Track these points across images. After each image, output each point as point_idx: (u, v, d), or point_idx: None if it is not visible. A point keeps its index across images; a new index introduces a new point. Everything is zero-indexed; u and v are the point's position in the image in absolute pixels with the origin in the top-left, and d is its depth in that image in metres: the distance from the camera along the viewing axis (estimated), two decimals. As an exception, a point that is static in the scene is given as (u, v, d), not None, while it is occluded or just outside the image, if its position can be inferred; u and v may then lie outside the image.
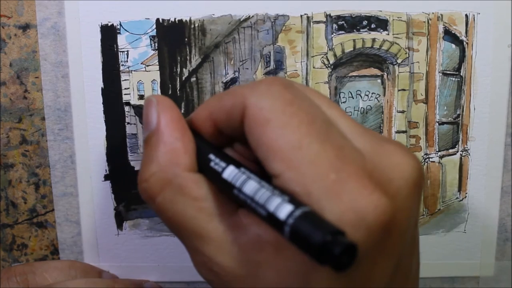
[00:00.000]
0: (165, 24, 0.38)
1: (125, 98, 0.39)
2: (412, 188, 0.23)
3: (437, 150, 0.40)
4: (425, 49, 0.39)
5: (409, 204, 0.23)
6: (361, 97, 0.39)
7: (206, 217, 0.24)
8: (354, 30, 0.38)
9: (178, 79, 0.39)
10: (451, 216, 0.41)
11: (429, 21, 0.38)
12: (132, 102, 0.39)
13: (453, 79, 0.39)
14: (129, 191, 0.40)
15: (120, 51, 0.38)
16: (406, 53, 0.39)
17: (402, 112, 0.40)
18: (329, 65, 0.39)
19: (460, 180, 0.40)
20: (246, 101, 0.23)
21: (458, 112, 0.40)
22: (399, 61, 0.39)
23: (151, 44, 0.38)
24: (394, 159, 0.23)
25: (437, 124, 0.40)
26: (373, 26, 0.38)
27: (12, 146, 0.40)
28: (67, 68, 0.38)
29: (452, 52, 0.39)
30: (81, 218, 0.40)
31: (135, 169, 0.40)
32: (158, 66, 0.39)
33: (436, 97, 0.39)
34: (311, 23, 0.38)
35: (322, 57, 0.39)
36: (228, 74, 0.39)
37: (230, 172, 0.23)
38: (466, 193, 0.41)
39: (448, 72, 0.39)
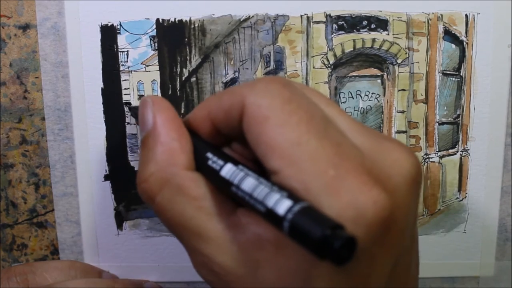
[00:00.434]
0: (165, 24, 0.38)
1: (125, 98, 0.39)
2: (410, 184, 0.23)
3: (437, 150, 0.40)
4: (425, 49, 0.39)
5: (408, 201, 0.23)
6: (361, 97, 0.39)
7: (205, 217, 0.24)
8: (354, 30, 0.38)
9: (178, 79, 0.39)
10: (451, 216, 0.41)
11: (429, 21, 0.38)
12: (132, 102, 0.39)
13: (453, 79, 0.39)
14: (129, 191, 0.40)
15: (120, 51, 0.38)
16: (406, 53, 0.39)
17: (402, 112, 0.40)
18: (329, 65, 0.39)
19: (460, 180, 0.40)
20: (244, 99, 0.23)
21: (458, 112, 0.40)
22: (399, 61, 0.39)
23: (151, 44, 0.38)
24: (393, 156, 0.23)
25: (437, 124, 0.40)
26: (373, 26, 0.38)
27: (12, 146, 0.40)
28: (67, 68, 0.38)
29: (452, 52, 0.39)
30: (81, 218, 0.40)
31: (135, 169, 0.40)
32: (158, 66, 0.39)
33: (436, 97, 0.39)
34: (311, 23, 0.38)
35: (322, 57, 0.39)
36: (228, 74, 0.39)
37: (228, 170, 0.24)
38: (466, 193, 0.40)
39: (448, 72, 0.39)
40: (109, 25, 0.38)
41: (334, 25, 0.38)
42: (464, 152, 0.40)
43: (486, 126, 0.39)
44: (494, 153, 0.40)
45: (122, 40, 0.38)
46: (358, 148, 0.23)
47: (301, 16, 0.38)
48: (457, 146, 0.40)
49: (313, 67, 0.39)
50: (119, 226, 0.41)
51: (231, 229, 0.24)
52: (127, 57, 0.38)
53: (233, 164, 0.24)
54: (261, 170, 0.23)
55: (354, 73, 0.39)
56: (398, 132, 0.40)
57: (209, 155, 0.25)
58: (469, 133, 0.40)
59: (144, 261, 0.41)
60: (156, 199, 0.25)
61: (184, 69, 0.39)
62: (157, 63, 0.39)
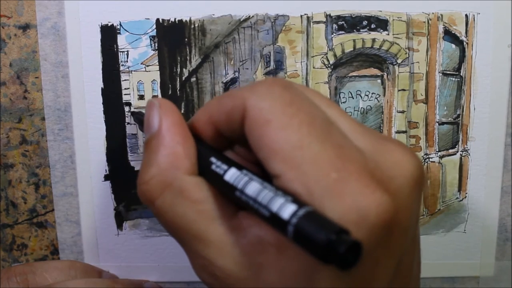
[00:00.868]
0: (165, 24, 0.38)
1: (125, 98, 0.39)
2: (413, 186, 0.23)
3: (437, 150, 0.40)
4: (425, 49, 0.39)
5: (410, 202, 0.23)
6: (361, 97, 0.39)
7: (206, 220, 0.24)
8: (354, 30, 0.38)
9: (178, 79, 0.39)
10: (451, 216, 0.41)
11: (429, 21, 0.38)
12: (132, 103, 0.39)
13: (453, 79, 0.39)
14: (129, 191, 0.40)
15: (120, 51, 0.38)
16: (406, 53, 0.39)
17: (402, 112, 0.40)
18: (329, 65, 0.39)
19: (460, 180, 0.40)
20: (246, 102, 0.23)
21: (458, 112, 0.40)
22: (399, 61, 0.39)
23: (151, 44, 0.38)
24: (395, 157, 0.23)
25: (437, 124, 0.40)
26: (373, 26, 0.38)
27: (12, 146, 0.40)
28: (67, 68, 0.38)
29: (452, 52, 0.39)
30: (81, 218, 0.40)
31: (135, 169, 0.40)
32: (158, 66, 0.39)
33: (436, 97, 0.39)
34: (311, 23, 0.38)
35: (322, 57, 0.39)
36: (228, 74, 0.39)
37: (232, 174, 0.23)
38: (466, 193, 0.41)
39: (448, 72, 0.39)
40: (109, 25, 0.38)
41: (334, 25, 0.38)
42: (464, 152, 0.40)
43: (486, 126, 0.39)
44: (494, 153, 0.40)
45: (122, 40, 0.38)
46: (360, 150, 0.23)
47: (301, 16, 0.38)
48: (457, 146, 0.40)
49: (313, 67, 0.39)
50: (119, 226, 0.41)
51: (232, 232, 0.24)
52: (127, 57, 0.38)
53: (237, 168, 0.24)
54: (265, 173, 0.23)
55: (354, 73, 0.39)
56: (398, 132, 0.40)
57: (213, 159, 0.25)
58: (469, 133, 0.40)
59: (144, 261, 0.41)
60: (156, 202, 0.25)
61: (184, 69, 0.39)
62: (157, 63, 0.39)
